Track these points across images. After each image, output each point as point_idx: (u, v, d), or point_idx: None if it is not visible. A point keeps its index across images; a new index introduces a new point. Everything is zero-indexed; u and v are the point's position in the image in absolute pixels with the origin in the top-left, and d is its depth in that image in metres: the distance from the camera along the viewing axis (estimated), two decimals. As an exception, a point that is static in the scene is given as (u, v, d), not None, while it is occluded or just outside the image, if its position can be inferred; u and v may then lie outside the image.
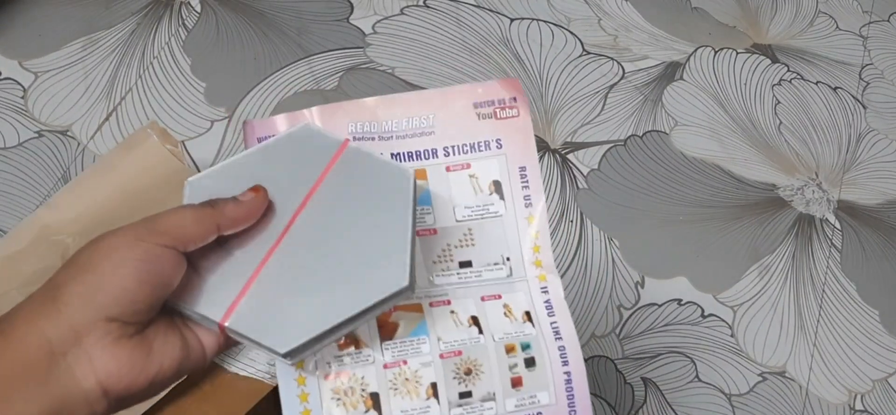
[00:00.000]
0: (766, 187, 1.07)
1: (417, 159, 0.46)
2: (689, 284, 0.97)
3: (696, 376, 0.91)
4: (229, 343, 0.39)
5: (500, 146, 0.46)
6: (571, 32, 1.16)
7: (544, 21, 1.17)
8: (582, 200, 1.01)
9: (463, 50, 1.11)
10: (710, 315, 0.95)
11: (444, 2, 1.16)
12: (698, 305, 0.95)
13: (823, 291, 1.00)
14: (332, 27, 1.10)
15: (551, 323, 0.45)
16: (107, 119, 0.96)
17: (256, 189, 0.38)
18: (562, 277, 0.95)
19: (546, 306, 0.46)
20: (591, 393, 0.88)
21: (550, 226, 0.98)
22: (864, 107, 1.19)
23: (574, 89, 1.11)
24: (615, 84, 1.13)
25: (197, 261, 0.37)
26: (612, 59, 1.15)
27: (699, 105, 1.13)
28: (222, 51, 1.04)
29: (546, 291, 0.46)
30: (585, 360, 0.90)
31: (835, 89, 1.19)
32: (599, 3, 1.22)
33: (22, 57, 0.99)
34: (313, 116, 0.44)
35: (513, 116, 0.47)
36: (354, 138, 0.45)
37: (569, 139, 1.06)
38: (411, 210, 0.39)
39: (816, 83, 1.20)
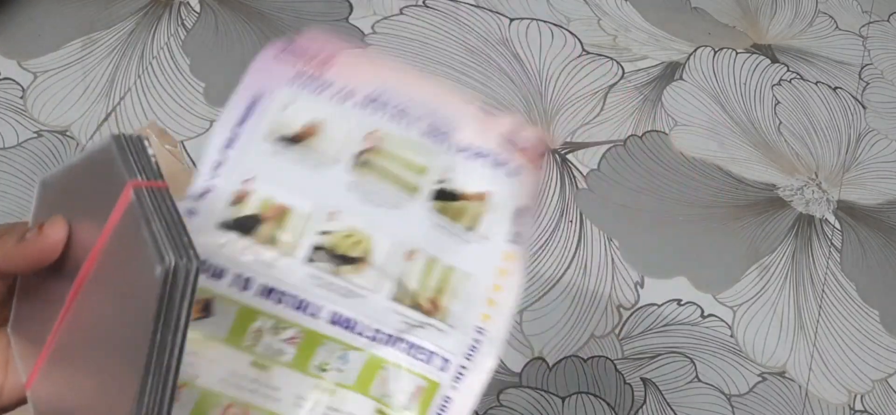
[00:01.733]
0: (766, 187, 1.07)
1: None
2: (688, 284, 0.97)
3: (696, 377, 0.91)
4: None
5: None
6: (571, 32, 1.16)
7: (544, 21, 1.17)
8: (581, 200, 1.01)
9: (462, 50, 1.11)
10: (710, 315, 0.95)
11: (443, 2, 1.16)
12: (698, 306, 0.95)
13: (823, 291, 1.00)
14: (331, 27, 1.10)
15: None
16: (106, 119, 0.96)
17: (41, 227, 0.29)
18: (560, 278, 0.94)
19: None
20: (591, 394, 0.88)
21: (550, 226, 0.98)
22: (864, 107, 1.19)
23: (573, 89, 1.11)
24: (615, 84, 1.12)
25: (36, 286, 0.30)
26: (611, 59, 1.15)
27: (699, 105, 1.13)
28: (221, 51, 1.04)
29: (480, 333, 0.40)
30: (585, 360, 0.90)
31: (834, 89, 1.19)
32: (599, 3, 1.22)
33: (21, 57, 0.99)
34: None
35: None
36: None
37: (568, 139, 1.06)
38: (151, 330, 0.26)
39: (816, 83, 1.20)
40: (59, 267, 0.29)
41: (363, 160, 0.39)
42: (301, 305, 0.37)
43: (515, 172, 0.42)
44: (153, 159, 0.30)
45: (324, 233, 0.38)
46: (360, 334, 0.38)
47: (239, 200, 0.38)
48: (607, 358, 0.90)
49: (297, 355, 0.37)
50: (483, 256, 0.40)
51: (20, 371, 0.30)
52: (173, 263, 0.26)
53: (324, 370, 0.38)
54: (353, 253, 0.38)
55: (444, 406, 0.39)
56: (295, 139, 0.39)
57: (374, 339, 0.38)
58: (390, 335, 0.38)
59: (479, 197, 0.41)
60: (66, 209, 0.30)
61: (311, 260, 0.37)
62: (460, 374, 0.39)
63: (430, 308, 0.39)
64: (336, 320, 0.38)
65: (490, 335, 0.39)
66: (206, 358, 0.37)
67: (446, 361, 0.39)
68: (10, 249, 0.29)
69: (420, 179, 0.40)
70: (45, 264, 0.29)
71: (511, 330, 0.42)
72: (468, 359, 0.39)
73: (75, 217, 0.29)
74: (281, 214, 0.38)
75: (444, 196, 0.40)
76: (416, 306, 0.39)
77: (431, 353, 0.39)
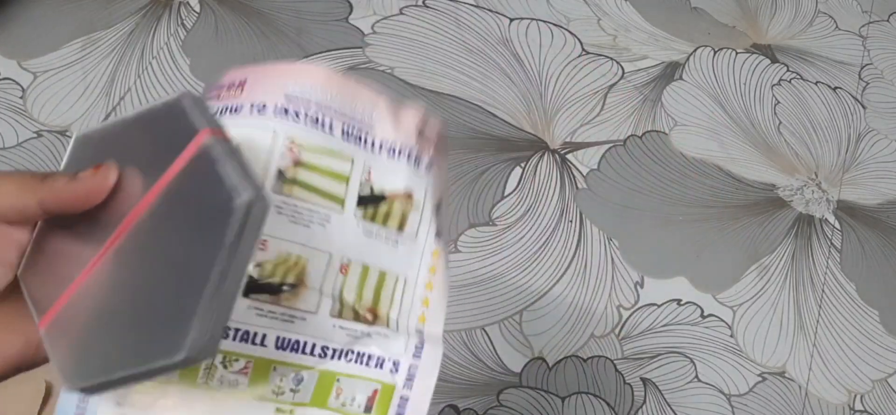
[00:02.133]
0: (766, 187, 1.07)
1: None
2: (688, 284, 0.97)
3: (696, 377, 0.91)
4: None
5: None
6: (571, 32, 1.16)
7: (543, 21, 1.17)
8: (581, 200, 1.01)
9: (462, 50, 1.11)
10: (710, 315, 0.95)
11: (443, 2, 1.16)
12: (698, 306, 0.95)
13: (823, 291, 1.00)
14: (331, 27, 1.10)
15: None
16: (106, 119, 0.96)
17: (98, 168, 0.31)
18: (560, 278, 0.94)
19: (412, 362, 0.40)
20: (591, 393, 0.88)
21: (550, 226, 0.98)
22: (864, 107, 1.19)
23: (573, 89, 1.11)
24: (614, 84, 1.12)
25: (59, 235, 0.32)
26: (611, 59, 1.15)
27: (699, 105, 1.13)
28: (221, 51, 1.04)
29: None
30: (585, 360, 0.90)
31: (834, 89, 1.19)
32: (599, 3, 1.22)
33: (21, 57, 0.99)
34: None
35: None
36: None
37: (568, 139, 1.06)
38: (222, 254, 0.29)
39: (816, 83, 1.20)
40: (96, 212, 0.31)
41: (287, 178, 0.38)
42: (246, 336, 0.37)
43: (429, 166, 0.42)
44: (217, 115, 0.33)
45: (257, 266, 0.38)
46: (308, 353, 0.39)
47: None
48: (607, 358, 0.90)
49: (251, 384, 0.38)
50: (413, 257, 0.41)
51: (32, 313, 0.32)
52: (252, 197, 0.29)
53: (279, 394, 0.38)
54: (290, 279, 0.38)
55: (401, 406, 0.40)
56: None
57: (323, 356, 0.39)
58: (338, 350, 0.39)
59: (402, 196, 0.41)
60: (109, 158, 0.32)
61: (248, 294, 0.37)
62: (412, 374, 0.40)
63: (370, 318, 0.39)
64: (283, 345, 0.38)
65: (429, 333, 0.40)
66: (165, 403, 0.37)
67: (396, 363, 0.39)
68: (62, 187, 0.30)
69: (344, 188, 0.39)
70: (93, 204, 0.31)
71: (447, 323, 0.42)
72: (416, 358, 0.40)
73: (121, 165, 0.32)
74: None
75: (370, 200, 0.40)
76: (357, 319, 0.39)
77: (380, 358, 0.39)
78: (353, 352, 0.39)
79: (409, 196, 0.41)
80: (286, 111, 0.39)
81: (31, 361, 0.32)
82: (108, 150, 0.32)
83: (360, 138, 0.40)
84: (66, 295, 0.31)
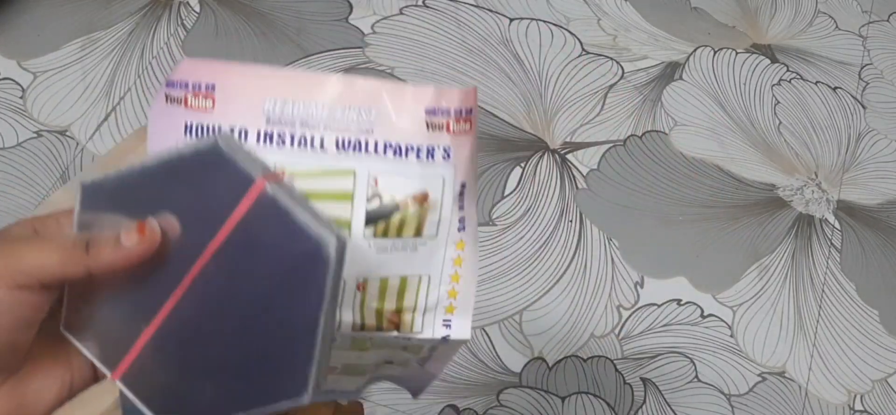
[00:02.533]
0: (766, 187, 1.07)
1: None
2: (688, 284, 0.97)
3: (696, 377, 0.91)
4: None
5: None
6: (571, 32, 1.16)
7: (543, 21, 1.17)
8: (581, 200, 1.01)
9: (462, 50, 1.11)
10: (710, 315, 0.95)
11: (443, 2, 1.16)
12: (698, 306, 0.95)
13: (823, 291, 1.00)
14: (330, 27, 1.10)
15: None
16: (105, 119, 0.96)
17: (143, 229, 0.31)
18: (560, 278, 0.94)
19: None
20: (591, 393, 0.88)
21: (550, 226, 0.98)
22: (864, 107, 1.19)
23: (573, 89, 1.11)
24: (614, 84, 1.12)
25: (100, 286, 0.32)
26: (611, 58, 1.15)
27: (698, 105, 1.13)
28: (221, 50, 1.04)
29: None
30: (585, 360, 0.90)
31: (834, 89, 1.19)
32: (599, 3, 1.22)
33: (21, 57, 0.99)
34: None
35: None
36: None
37: (568, 139, 1.06)
38: (324, 302, 0.30)
39: (816, 83, 1.20)
40: (145, 263, 0.32)
41: None
42: None
43: (446, 154, 0.37)
44: (258, 155, 0.33)
45: None
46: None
47: None
48: (607, 358, 0.90)
49: None
50: (436, 254, 0.38)
51: (98, 365, 0.33)
52: (337, 243, 0.30)
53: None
54: None
55: (447, 325, 0.39)
56: None
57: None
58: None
59: (416, 201, 0.37)
60: (136, 210, 0.31)
61: None
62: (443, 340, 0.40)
63: (395, 320, 0.38)
64: None
65: (456, 325, 0.39)
66: None
67: (423, 338, 0.40)
68: (110, 256, 0.30)
69: (349, 207, 0.36)
70: (137, 264, 0.31)
71: (476, 303, 0.41)
72: (444, 342, 0.40)
73: (155, 215, 0.32)
74: None
75: (380, 215, 0.37)
76: (380, 327, 0.38)
77: (407, 337, 0.39)
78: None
79: (424, 197, 0.37)
80: (270, 137, 0.36)
81: (67, 399, 0.33)
82: (131, 199, 0.32)
83: (358, 145, 0.36)
84: (138, 345, 0.32)
